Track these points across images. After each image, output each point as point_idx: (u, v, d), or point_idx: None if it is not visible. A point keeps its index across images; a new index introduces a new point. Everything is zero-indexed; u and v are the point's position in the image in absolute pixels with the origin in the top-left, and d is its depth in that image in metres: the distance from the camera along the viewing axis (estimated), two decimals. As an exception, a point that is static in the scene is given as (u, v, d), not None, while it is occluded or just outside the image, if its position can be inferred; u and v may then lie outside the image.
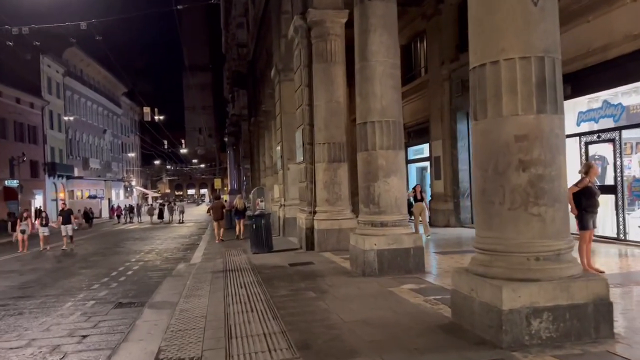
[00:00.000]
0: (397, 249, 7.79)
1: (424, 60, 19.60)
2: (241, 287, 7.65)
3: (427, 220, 14.37)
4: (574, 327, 4.01)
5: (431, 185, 18.72)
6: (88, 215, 32.71)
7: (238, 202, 20.22)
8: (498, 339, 4.01)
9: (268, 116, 24.64)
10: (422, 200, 13.87)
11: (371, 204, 8.01)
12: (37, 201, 43.63)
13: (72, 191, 52.71)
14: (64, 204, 18.99)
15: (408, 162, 21.06)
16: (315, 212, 12.02)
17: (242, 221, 17.78)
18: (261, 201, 19.24)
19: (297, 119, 13.40)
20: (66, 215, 18.09)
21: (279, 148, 17.74)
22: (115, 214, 37.29)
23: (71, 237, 18.16)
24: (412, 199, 14.43)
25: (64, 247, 17.81)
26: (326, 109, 11.68)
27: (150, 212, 38.22)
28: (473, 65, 4.48)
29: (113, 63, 59.36)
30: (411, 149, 20.94)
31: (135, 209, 37.72)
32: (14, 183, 38.97)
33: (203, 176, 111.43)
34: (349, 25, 11.86)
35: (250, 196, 22.33)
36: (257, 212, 13.07)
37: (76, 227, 31.01)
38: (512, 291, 3.97)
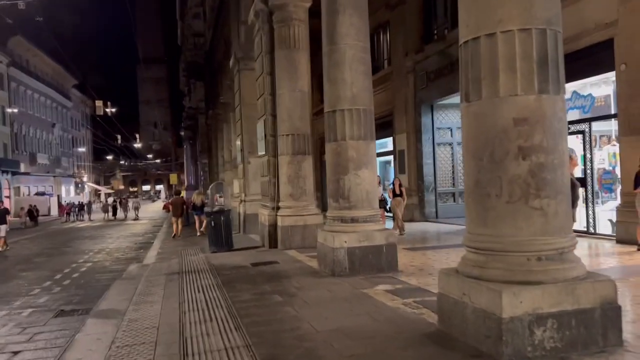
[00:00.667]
0: (369, 247, 7.25)
1: (387, 52, 19.20)
2: (198, 291, 6.92)
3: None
4: (581, 335, 3.55)
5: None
6: (32, 213, 30.66)
7: (196, 197, 19.38)
8: (497, 351, 3.51)
9: (227, 108, 23.74)
10: (400, 195, 12.92)
11: (341, 199, 7.44)
12: (-22, 198, 40.97)
13: (19, 188, 49.85)
14: (1, 202, 17.24)
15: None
16: (278, 208, 11.36)
17: (201, 217, 16.98)
18: (220, 197, 18.42)
19: (258, 109, 12.67)
20: (1, 216, 16.37)
21: (238, 141, 16.95)
22: (64, 212, 35.25)
23: (4, 239, 16.52)
24: (385, 195, 13.89)
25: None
26: (290, 98, 11.02)
27: (104, 209, 37.14)
28: (465, 39, 3.94)
29: (62, 54, 56.55)
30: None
31: (85, 207, 35.81)
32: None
33: (159, 172, 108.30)
34: (313, 13, 11.31)
35: (209, 192, 21.46)
36: (215, 209, 12.28)
37: (23, 227, 29.19)
38: (513, 296, 3.47)
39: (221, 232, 11.72)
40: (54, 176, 59.03)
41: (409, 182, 17.18)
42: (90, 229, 27.38)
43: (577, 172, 10.35)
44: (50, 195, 51.17)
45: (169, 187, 72.73)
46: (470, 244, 3.99)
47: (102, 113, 64.58)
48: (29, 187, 52.32)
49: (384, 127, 20.57)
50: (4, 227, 16.26)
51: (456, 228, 13.23)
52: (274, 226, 11.38)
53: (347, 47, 7.36)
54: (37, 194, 51.00)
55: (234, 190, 20.16)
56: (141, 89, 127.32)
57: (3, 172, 45.38)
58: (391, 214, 13.97)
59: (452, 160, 17.17)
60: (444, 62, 15.25)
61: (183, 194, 44.69)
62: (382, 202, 12.36)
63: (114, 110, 63.93)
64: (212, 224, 11.73)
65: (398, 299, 5.58)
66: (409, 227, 14.50)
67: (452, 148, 17.20)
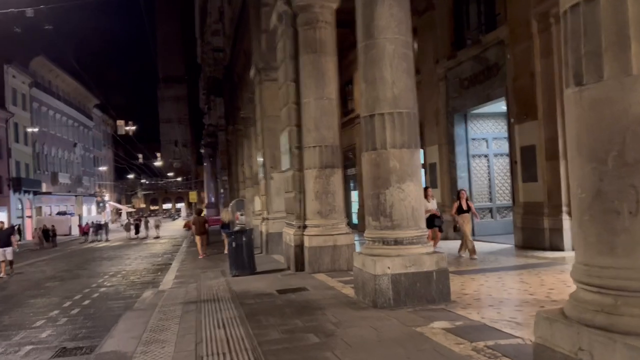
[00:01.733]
0: (417, 273, 6.17)
1: (415, 60, 18.19)
2: (219, 327, 5.92)
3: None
4: None
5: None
6: (47, 234, 30.12)
7: (224, 215, 18.59)
8: None
9: (247, 123, 22.97)
10: (468, 210, 10.71)
11: (382, 217, 6.40)
12: (1, 218, 40.91)
13: (40, 207, 49.90)
14: (2, 222, 16.13)
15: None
16: (305, 227, 10.36)
17: None
18: (241, 215, 17.55)
19: (281, 120, 11.76)
20: (4, 237, 15.33)
21: (260, 156, 16.06)
22: (82, 232, 34.81)
23: (11, 263, 15.49)
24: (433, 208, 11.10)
25: (1, 275, 15.12)
26: (316, 106, 10.08)
27: (127, 228, 37.33)
28: (571, 3, 2.92)
29: (84, 74, 57.04)
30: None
31: (103, 226, 35.30)
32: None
33: (179, 190, 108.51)
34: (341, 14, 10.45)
35: (229, 209, 20.63)
36: (236, 228, 11.32)
37: (38, 248, 28.69)
38: (668, 358, 2.39)
39: (243, 254, 10.75)
40: (76, 195, 59.13)
41: (441, 197, 16.04)
42: (109, 249, 26.72)
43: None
44: (72, 214, 51.14)
45: (189, 205, 72.30)
46: (587, 280, 2.91)
47: (123, 132, 64.87)
48: (50, 206, 52.36)
49: None
50: (9, 250, 15.26)
51: (498, 247, 12.06)
52: (300, 247, 10.37)
53: (387, 41, 6.40)
54: (59, 213, 50.97)
55: (256, 207, 19.25)
56: (162, 108, 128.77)
57: (25, 191, 45.44)
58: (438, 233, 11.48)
59: (489, 173, 15.99)
60: (479, 67, 14.22)
61: (203, 212, 44.12)
62: (433, 220, 10.49)
63: (134, 128, 63.98)
64: (233, 245, 10.77)
65: (465, 342, 4.48)
66: (445, 245, 13.35)
67: (488, 160, 16.04)
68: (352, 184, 22.71)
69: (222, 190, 43.15)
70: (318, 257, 9.86)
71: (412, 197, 6.40)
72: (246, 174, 24.63)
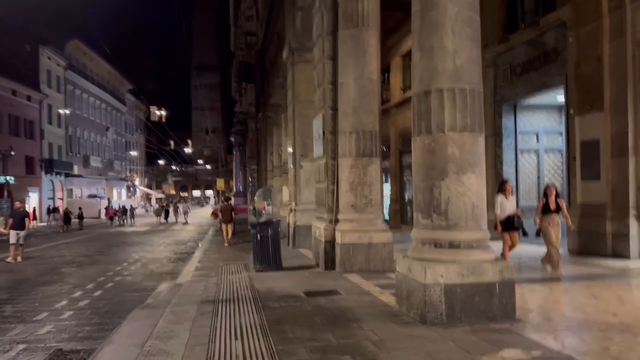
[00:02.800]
0: (476, 285, 5.08)
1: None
2: (236, 338, 4.97)
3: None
4: None
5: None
6: (68, 216, 29.76)
7: (257, 203, 17.94)
8: None
9: (277, 110, 22.09)
10: (558, 210, 8.32)
11: (435, 214, 5.32)
12: (32, 199, 41.27)
13: (71, 190, 50.36)
14: (20, 203, 15.47)
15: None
16: (337, 221, 9.34)
17: None
18: (268, 205, 16.67)
19: (315, 104, 10.73)
20: (18, 218, 14.41)
21: (290, 144, 15.10)
22: (109, 216, 34.61)
23: (20, 246, 14.30)
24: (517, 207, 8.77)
25: (8, 259, 14.02)
26: (355, 87, 9.01)
27: (157, 213, 37.74)
28: None
29: (117, 59, 57.27)
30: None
31: (129, 211, 35.02)
32: (7, 179, 36.62)
33: (208, 178, 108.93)
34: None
35: (255, 199, 19.78)
36: (262, 219, 10.39)
37: (61, 230, 28.43)
38: None
39: (268, 248, 9.80)
40: (107, 179, 59.60)
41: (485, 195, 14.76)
42: (135, 234, 26.31)
43: None
44: (102, 198, 51.45)
45: (219, 193, 72.26)
46: None
47: (156, 119, 64.98)
48: (81, 189, 52.84)
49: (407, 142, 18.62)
50: (22, 233, 14.33)
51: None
52: (330, 243, 9.36)
53: (449, 1, 5.27)
54: (89, 196, 51.37)
55: (283, 198, 18.35)
56: (194, 96, 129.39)
57: (56, 173, 45.82)
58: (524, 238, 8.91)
59: (538, 170, 14.64)
60: (534, 52, 12.87)
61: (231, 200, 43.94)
62: (512, 222, 8.13)
63: (165, 113, 64.08)
64: (258, 237, 9.84)
65: (554, 386, 3.39)
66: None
67: (538, 156, 14.68)
68: (383, 177, 21.65)
69: (250, 179, 42.53)
70: (351, 255, 8.84)
71: (473, 191, 5.29)
72: (275, 162, 23.78)
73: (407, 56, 20.64)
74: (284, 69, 18.08)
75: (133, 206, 38.65)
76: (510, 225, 8.10)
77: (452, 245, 5.22)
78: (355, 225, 8.96)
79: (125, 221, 34.32)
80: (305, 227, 13.66)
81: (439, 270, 5.08)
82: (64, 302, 8.32)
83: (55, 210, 35.57)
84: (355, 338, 4.77)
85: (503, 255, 7.64)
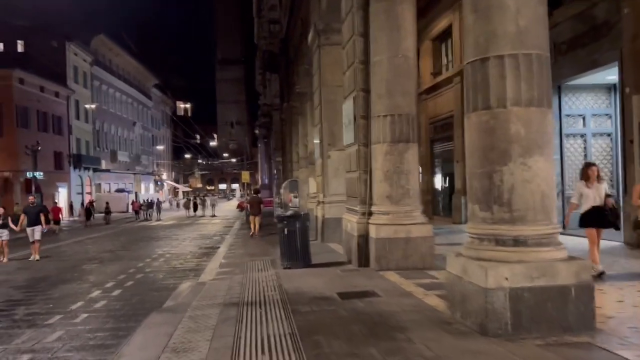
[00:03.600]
0: (547, 288, 4.23)
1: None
2: (262, 352, 4.25)
3: None
4: None
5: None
6: (90, 211, 29.76)
7: (285, 195, 17.48)
8: None
9: (302, 99, 21.30)
10: None
11: (495, 205, 4.48)
12: (61, 194, 41.65)
13: (99, 184, 50.80)
14: (33, 198, 14.78)
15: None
16: (370, 214, 8.54)
17: None
18: (295, 197, 15.96)
19: (344, 87, 9.91)
20: (32, 215, 13.67)
21: (316, 132, 14.32)
22: (134, 210, 34.47)
23: (35, 243, 13.53)
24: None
25: (31, 258, 13.42)
26: (389, 66, 8.16)
27: (186, 206, 38.87)
28: None
29: (142, 54, 57.35)
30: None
31: (155, 205, 34.80)
32: (35, 175, 36.94)
33: (234, 171, 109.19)
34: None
35: (281, 191, 19.14)
36: (289, 212, 9.66)
37: (82, 226, 28.25)
38: None
39: (296, 243, 9.07)
40: (134, 173, 60.02)
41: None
42: (160, 228, 26.03)
43: None
44: (130, 192, 51.77)
45: (243, 186, 72.11)
46: None
47: (181, 113, 65.15)
48: (109, 183, 53.29)
49: (448, 127, 17.60)
50: (38, 229, 13.59)
51: (602, 244, 9.73)
52: (364, 237, 8.57)
53: (511, -50, 4.39)
54: (117, 190, 51.79)
55: (310, 189, 17.63)
56: (219, 90, 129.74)
57: (85, 168, 46.19)
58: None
59: (585, 155, 13.49)
60: (582, 28, 11.74)
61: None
62: (602, 215, 6.76)
63: (190, 107, 64.14)
64: (285, 232, 9.12)
65: None
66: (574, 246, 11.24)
67: (584, 141, 13.53)
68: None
69: (275, 172, 41.99)
70: (387, 251, 8.04)
71: (542, 177, 4.42)
72: (300, 153, 23.05)
73: (438, 39, 19.65)
74: (309, 55, 17.29)
75: (160, 200, 38.42)
76: (594, 220, 6.76)
77: (518, 241, 4.37)
78: (391, 218, 8.14)
79: (150, 215, 34.12)
80: (334, 220, 12.92)
81: (502, 272, 4.25)
82: (79, 304, 7.77)
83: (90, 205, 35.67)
84: (404, 354, 3.98)
85: (591, 259, 6.50)
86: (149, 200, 36.84)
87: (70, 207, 36.98)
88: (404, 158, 8.19)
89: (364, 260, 8.50)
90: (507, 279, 4.24)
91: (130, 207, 37.31)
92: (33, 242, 13.62)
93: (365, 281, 7.22)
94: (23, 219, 13.84)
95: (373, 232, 8.22)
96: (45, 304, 7.84)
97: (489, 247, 4.49)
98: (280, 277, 8.11)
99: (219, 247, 14.84)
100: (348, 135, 9.40)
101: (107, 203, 32.92)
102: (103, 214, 31.14)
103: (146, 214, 33.90)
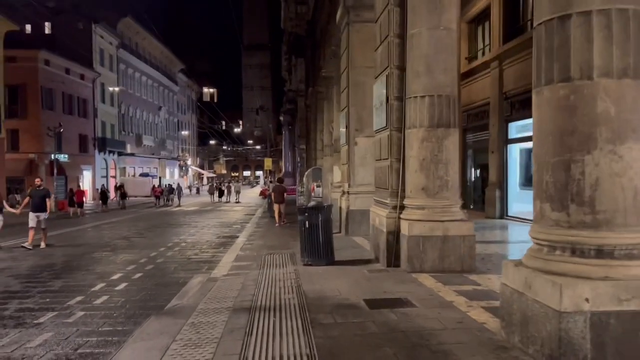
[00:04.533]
0: (642, 315, 3.26)
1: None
2: (272, 382, 3.40)
3: None
4: None
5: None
6: (105, 196, 29.05)
7: (307, 183, 16.66)
8: None
9: (328, 84, 20.32)
10: None
11: (574, 204, 3.50)
12: (86, 177, 41.71)
13: (124, 168, 50.86)
14: (40, 180, 13.24)
15: (508, 141, 16.16)
16: (403, 208, 7.60)
17: None
18: (317, 186, 15.08)
19: (376, 65, 8.92)
20: (37, 198, 12.57)
21: (343, 119, 13.37)
22: (155, 195, 34.03)
23: (44, 230, 12.61)
24: None
25: (26, 244, 12.20)
26: (429, 39, 7.16)
27: (210, 191, 39.16)
28: None
29: (169, 38, 56.93)
30: (514, 125, 15.99)
31: (176, 190, 34.31)
32: (56, 157, 36.97)
33: (258, 158, 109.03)
34: None
35: (304, 180, 18.28)
36: (311, 203, 8.78)
37: (100, 210, 27.82)
38: None
39: (319, 238, 8.20)
40: (159, 158, 60.03)
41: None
42: (180, 214, 25.53)
43: None
44: (154, 176, 51.72)
45: (267, 173, 71.60)
46: None
47: (207, 99, 64.73)
48: (134, 168, 53.32)
49: (530, 104, 16.01)
50: (43, 215, 12.53)
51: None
52: (394, 234, 7.65)
53: None
54: (142, 175, 51.80)
55: (334, 178, 16.71)
56: (245, 75, 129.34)
57: (109, 152, 46.19)
58: None
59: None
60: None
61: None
62: None
63: (216, 93, 63.63)
64: (306, 225, 8.25)
65: None
66: None
67: None
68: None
69: (299, 159, 41.19)
70: (420, 250, 7.10)
71: (636, 170, 3.42)
72: (325, 141, 22.14)
73: (474, 22, 18.42)
74: (336, 36, 16.29)
75: (180, 185, 37.94)
76: None
77: (602, 252, 3.39)
78: (427, 213, 7.19)
79: (172, 200, 33.69)
80: (360, 212, 12.05)
81: (582, 291, 3.29)
82: (78, 298, 7.06)
83: (121, 187, 35.32)
84: (453, 396, 3.07)
85: None
86: (170, 186, 36.40)
87: (101, 191, 36.62)
88: (443, 145, 7.20)
89: (393, 259, 7.58)
90: (587, 300, 3.28)
91: (151, 192, 36.82)
92: (32, 228, 12.45)
93: (397, 285, 6.31)
94: (27, 202, 12.96)
95: (405, 229, 7.29)
96: (42, 297, 7.16)
97: (563, 257, 3.52)
98: (300, 276, 7.27)
99: (237, 237, 14.11)
100: (379, 119, 8.43)
101: (122, 186, 32.54)
102: (118, 199, 30.63)
103: (167, 199, 33.49)
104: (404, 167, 7.62)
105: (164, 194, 33.52)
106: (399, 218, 7.55)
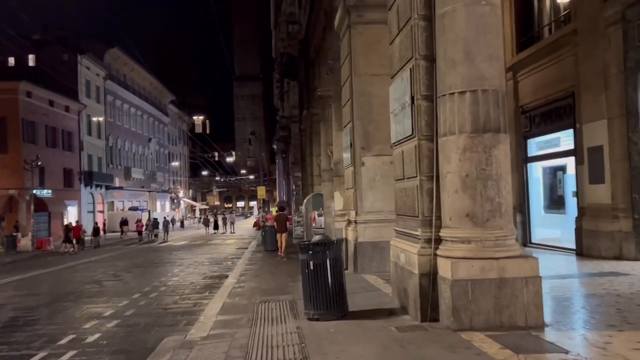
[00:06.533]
0: None
1: (563, 7, 12.92)
2: None
3: None
4: None
5: (578, 193, 12.04)
6: (68, 234, 24.76)
7: (307, 213, 15.20)
8: None
9: (325, 104, 18.72)
10: None
11: None
12: (70, 213, 39.57)
13: (112, 202, 48.75)
14: None
15: (528, 159, 14.31)
16: (439, 241, 5.72)
17: None
18: (319, 215, 13.21)
19: (393, 59, 7.10)
20: None
21: (346, 136, 11.60)
22: (137, 230, 31.59)
23: None
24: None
25: None
26: (468, 18, 5.41)
27: (205, 223, 39.91)
28: None
29: (159, 70, 55.73)
30: (534, 142, 14.16)
31: (162, 224, 31.87)
32: (43, 193, 34.92)
33: (252, 188, 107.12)
34: None
35: (302, 208, 16.60)
36: (315, 238, 6.82)
37: (70, 251, 24.62)
38: None
39: (326, 282, 6.26)
40: (149, 191, 57.98)
41: (612, 197, 10.80)
42: (167, 250, 23.45)
43: None
44: (143, 210, 49.51)
45: (262, 202, 69.50)
46: None
47: (199, 130, 63.29)
48: (123, 201, 51.21)
49: (552, 118, 13.82)
50: None
51: None
52: (429, 277, 5.72)
53: None
54: (131, 208, 49.60)
55: (336, 206, 14.87)
56: (237, 106, 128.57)
57: (96, 186, 44.19)
58: None
59: (694, 160, 10.49)
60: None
61: (274, 211, 41.46)
62: None
63: (206, 122, 62.17)
64: (311, 267, 6.32)
65: None
66: (616, 267, 8.33)
67: (692, 141, 10.53)
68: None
69: (293, 188, 39.40)
70: (470, 300, 5.18)
71: None
72: (322, 165, 20.38)
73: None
74: (333, 49, 14.77)
75: (167, 219, 35.55)
76: None
77: None
78: (475, 247, 5.31)
79: (156, 236, 31.26)
80: (371, 244, 10.20)
81: None
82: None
83: (125, 222, 33.56)
84: None
85: None
86: (155, 220, 34.10)
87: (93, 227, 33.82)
88: (492, 156, 5.38)
89: (430, 311, 5.64)
90: None
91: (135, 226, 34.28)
92: None
93: (446, 354, 4.38)
94: None
95: (446, 270, 5.39)
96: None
97: None
98: (305, 339, 5.31)
99: (227, 276, 12.13)
100: (399, 127, 6.59)
101: (95, 222, 30.02)
102: (91, 237, 27.28)
103: (151, 235, 31.08)
104: (439, 186, 5.76)
105: (147, 228, 31.20)
106: (436, 255, 5.66)
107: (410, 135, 6.16)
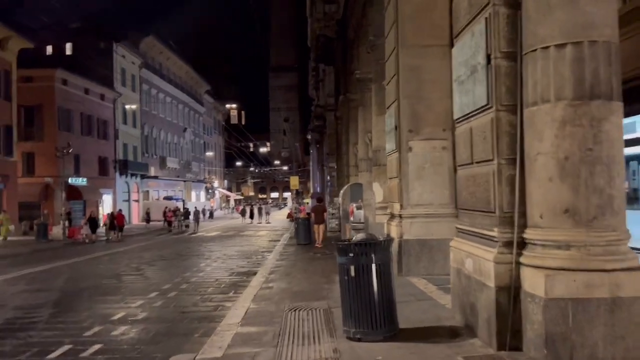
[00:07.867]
0: None
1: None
2: None
3: None
4: None
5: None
6: (94, 223, 23.82)
7: (344, 205, 14.19)
8: None
9: (364, 88, 17.35)
10: None
11: None
12: (106, 201, 39.52)
13: (147, 191, 48.67)
14: None
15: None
16: (524, 245, 4.33)
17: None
18: (358, 208, 11.88)
19: (457, 12, 5.70)
20: None
21: (391, 117, 10.21)
22: (166, 220, 30.74)
23: None
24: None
25: None
26: (572, -58, 3.97)
27: (242, 213, 41.57)
28: None
29: (194, 59, 55.19)
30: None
31: (193, 214, 30.92)
32: (79, 181, 34.91)
33: (285, 179, 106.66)
34: None
35: (339, 199, 15.32)
36: (357, 237, 5.49)
37: (87, 241, 22.84)
38: None
39: (372, 294, 4.96)
40: (184, 181, 57.84)
41: None
42: (197, 241, 22.62)
43: None
44: (178, 199, 49.23)
45: (296, 193, 68.60)
46: None
47: (235, 121, 62.81)
48: (158, 191, 51.11)
49: (628, 98, 12.14)
50: None
51: None
52: (509, 292, 4.33)
53: None
54: (166, 198, 49.41)
55: (376, 198, 13.54)
56: (272, 97, 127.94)
57: (131, 175, 44.06)
58: None
59: None
60: None
61: (307, 201, 40.07)
62: None
63: (242, 113, 61.48)
64: (352, 273, 5.03)
65: None
66: None
67: None
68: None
69: (328, 178, 38.09)
70: (571, 327, 3.78)
71: None
72: (360, 154, 19.02)
73: None
74: (374, 26, 13.39)
75: (198, 209, 34.67)
76: None
77: None
78: (577, 255, 3.90)
79: (186, 227, 30.29)
80: (418, 242, 8.85)
81: None
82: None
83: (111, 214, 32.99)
84: None
85: None
86: (186, 210, 33.25)
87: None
88: (601, 132, 3.94)
89: (509, 337, 4.26)
90: None
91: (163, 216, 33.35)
92: None
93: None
94: None
95: (536, 284, 4.00)
96: None
97: None
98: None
99: (255, 274, 11.00)
100: (466, 98, 5.18)
101: (120, 211, 28.83)
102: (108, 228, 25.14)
103: (181, 225, 30.21)
104: (524, 173, 4.36)
105: (177, 218, 30.34)
106: (519, 263, 4.27)
107: (484, 106, 4.73)
